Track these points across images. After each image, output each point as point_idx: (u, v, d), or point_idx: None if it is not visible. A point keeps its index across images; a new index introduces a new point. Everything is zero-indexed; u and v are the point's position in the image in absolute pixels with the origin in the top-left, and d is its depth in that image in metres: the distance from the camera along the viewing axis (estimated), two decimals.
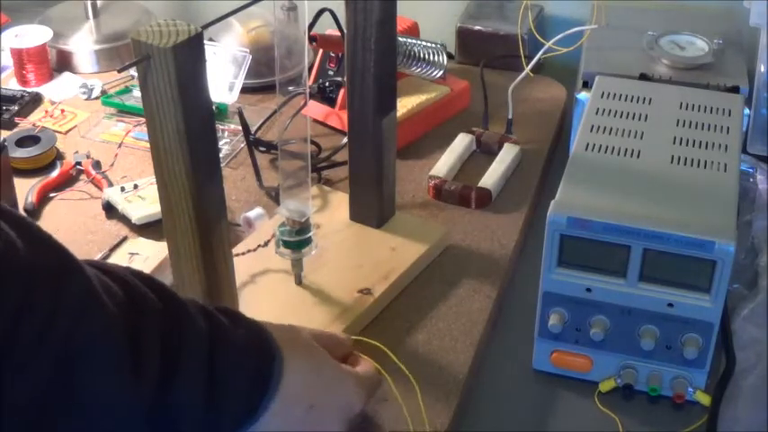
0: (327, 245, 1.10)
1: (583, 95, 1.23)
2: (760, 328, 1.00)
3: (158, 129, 0.83)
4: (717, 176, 0.97)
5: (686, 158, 1.00)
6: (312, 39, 1.30)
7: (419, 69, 1.32)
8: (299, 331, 0.85)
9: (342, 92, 1.34)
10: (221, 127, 1.37)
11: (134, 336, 0.68)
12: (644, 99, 1.10)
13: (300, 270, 1.05)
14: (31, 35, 1.48)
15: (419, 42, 1.31)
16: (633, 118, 1.07)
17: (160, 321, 0.70)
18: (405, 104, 1.32)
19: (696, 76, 1.25)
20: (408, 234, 1.13)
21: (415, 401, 0.93)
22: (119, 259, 1.10)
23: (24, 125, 1.37)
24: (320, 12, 1.34)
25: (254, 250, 1.10)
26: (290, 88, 0.97)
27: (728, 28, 1.36)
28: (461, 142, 1.31)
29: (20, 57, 1.47)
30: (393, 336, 1.00)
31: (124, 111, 1.41)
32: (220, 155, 1.25)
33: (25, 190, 1.23)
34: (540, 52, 1.33)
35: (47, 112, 1.41)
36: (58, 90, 1.47)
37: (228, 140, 1.35)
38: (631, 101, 1.10)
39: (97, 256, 1.13)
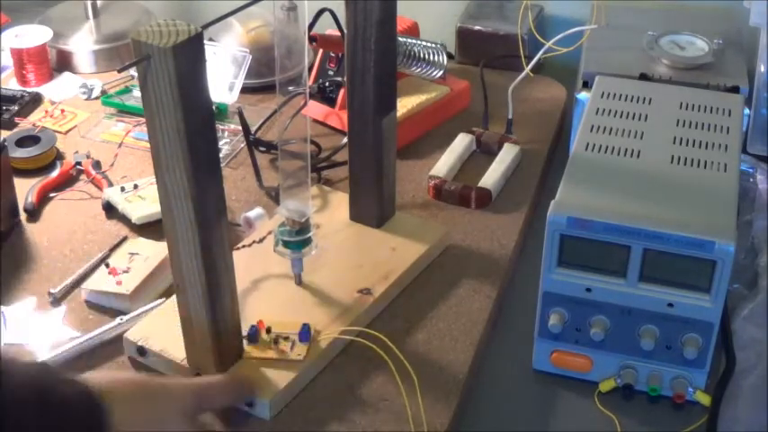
0: (327, 245, 1.10)
1: (583, 95, 1.23)
2: (760, 328, 1.00)
3: (158, 129, 0.83)
4: (717, 176, 0.97)
5: (686, 158, 1.00)
6: (312, 39, 1.30)
7: (419, 69, 1.32)
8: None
9: (342, 92, 1.34)
10: (221, 127, 1.37)
11: None
12: (644, 99, 1.10)
13: (300, 270, 1.05)
14: (31, 35, 1.48)
15: (419, 42, 1.31)
16: (633, 118, 1.07)
17: None
18: (405, 104, 1.32)
19: (696, 76, 1.25)
20: (408, 234, 1.13)
21: (416, 401, 0.93)
22: (119, 259, 1.10)
23: (24, 125, 1.37)
24: (320, 12, 1.34)
25: (249, 246, 1.11)
26: (290, 88, 0.97)
27: (728, 28, 1.36)
28: (461, 142, 1.31)
29: (20, 57, 1.47)
30: (393, 336, 1.00)
31: (124, 111, 1.41)
32: (220, 155, 1.25)
33: (25, 190, 1.23)
34: (540, 52, 1.33)
35: (47, 112, 1.41)
36: (58, 90, 1.47)
37: (228, 140, 1.35)
38: (631, 101, 1.10)
39: (97, 256, 1.13)
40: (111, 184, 1.24)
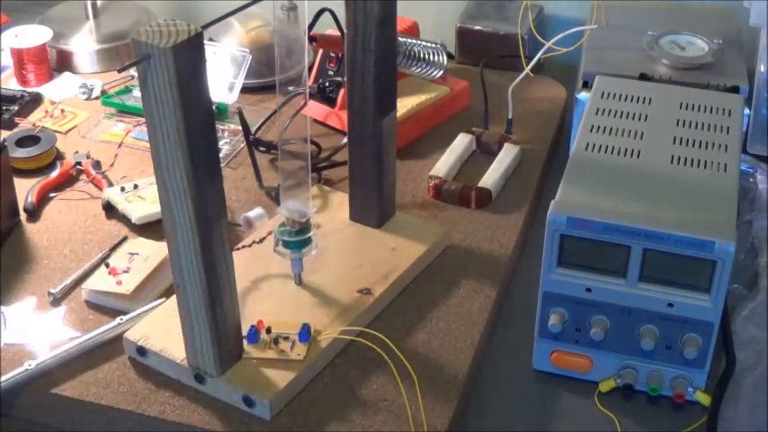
0: (327, 245, 1.10)
1: (583, 95, 1.23)
2: (760, 328, 1.00)
3: (158, 129, 0.83)
4: (717, 176, 0.97)
5: (686, 158, 1.00)
6: (312, 39, 1.30)
7: (419, 69, 1.32)
8: None
9: (342, 92, 1.34)
10: (221, 127, 1.37)
11: None
12: (644, 99, 1.10)
13: (300, 270, 1.05)
14: (31, 35, 1.48)
15: (419, 42, 1.31)
16: (633, 118, 1.07)
17: None
18: (405, 104, 1.32)
19: (696, 76, 1.25)
20: (408, 234, 1.13)
21: (416, 401, 0.93)
22: (119, 259, 1.10)
23: (24, 125, 1.37)
24: (320, 12, 1.34)
25: (249, 246, 1.11)
26: (290, 88, 0.97)
27: (728, 28, 1.36)
28: (461, 142, 1.31)
29: (20, 57, 1.47)
30: (393, 336, 1.00)
31: (124, 111, 1.41)
32: (220, 155, 1.25)
33: (25, 190, 1.23)
34: (540, 52, 1.33)
35: (47, 112, 1.41)
36: (58, 90, 1.47)
37: (228, 140, 1.35)
38: (631, 101, 1.10)
39: (97, 256, 1.13)
40: (111, 184, 1.24)
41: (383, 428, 0.92)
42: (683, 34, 1.33)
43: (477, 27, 1.50)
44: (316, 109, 1.36)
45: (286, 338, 0.98)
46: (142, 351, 0.98)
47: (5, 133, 1.33)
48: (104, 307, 1.06)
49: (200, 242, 0.87)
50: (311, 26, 1.32)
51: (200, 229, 0.87)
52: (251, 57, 1.43)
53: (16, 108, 1.40)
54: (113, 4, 1.61)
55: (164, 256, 1.07)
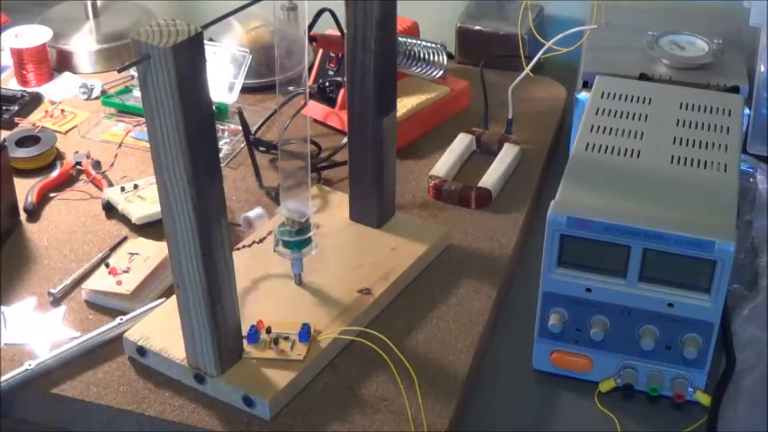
0: (327, 245, 1.10)
1: (583, 95, 1.23)
2: (760, 328, 1.00)
3: (158, 129, 0.83)
4: (717, 176, 0.97)
5: (686, 158, 1.00)
6: (312, 39, 1.30)
7: (419, 69, 1.32)
8: None
9: (342, 92, 1.34)
10: (221, 127, 1.37)
11: None
12: (644, 99, 1.10)
13: (300, 270, 1.05)
14: (31, 35, 1.48)
15: (419, 42, 1.31)
16: (633, 118, 1.07)
17: None
18: (405, 104, 1.32)
19: (696, 76, 1.25)
20: (408, 234, 1.13)
21: (416, 401, 0.93)
22: (119, 259, 1.10)
23: (24, 125, 1.37)
24: (320, 12, 1.34)
25: (249, 246, 1.11)
26: (290, 88, 0.97)
27: (728, 28, 1.36)
28: (461, 142, 1.31)
29: (20, 57, 1.47)
30: (393, 336, 1.00)
31: (124, 111, 1.41)
32: (220, 155, 1.25)
33: (25, 190, 1.23)
34: (540, 52, 1.33)
35: (47, 112, 1.41)
36: (58, 90, 1.47)
37: (228, 140, 1.35)
38: (631, 101, 1.10)
39: (97, 256, 1.13)
40: (111, 184, 1.24)
41: (383, 428, 0.92)
42: (683, 34, 1.33)
43: (477, 27, 1.50)
44: (316, 109, 1.36)
45: (286, 338, 0.98)
46: (142, 351, 0.98)
47: (5, 133, 1.33)
48: (104, 307, 1.06)
49: (200, 242, 0.87)
50: (311, 26, 1.32)
51: (200, 229, 0.87)
52: (251, 57, 1.43)
53: (16, 108, 1.40)
54: (113, 4, 1.61)
55: (164, 256, 1.07)
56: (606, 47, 1.32)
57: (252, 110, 1.38)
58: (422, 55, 1.31)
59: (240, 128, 1.30)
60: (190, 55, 0.80)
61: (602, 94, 1.11)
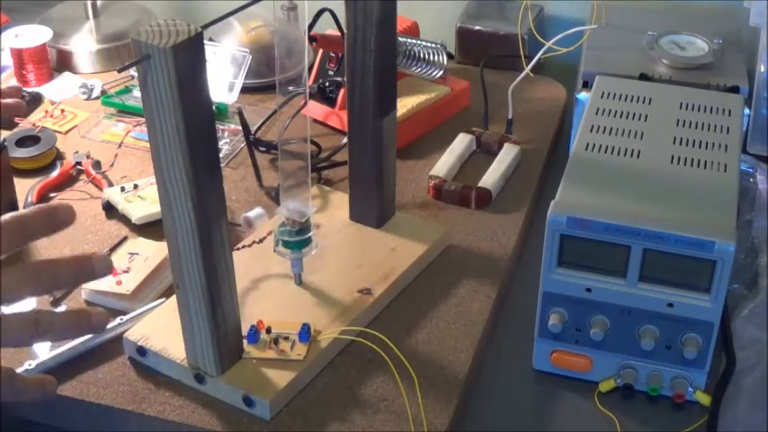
0: (327, 245, 1.10)
1: (583, 95, 1.23)
2: (760, 328, 1.00)
3: (158, 129, 0.83)
4: (717, 176, 0.97)
5: (686, 158, 1.00)
6: (312, 39, 1.30)
7: (419, 69, 1.32)
8: None
9: (342, 92, 1.34)
10: (221, 127, 1.37)
11: None
12: (644, 99, 1.10)
13: (300, 270, 1.05)
14: (31, 35, 1.48)
15: (419, 42, 1.31)
16: (633, 118, 1.07)
17: None
18: (405, 104, 1.32)
19: (696, 76, 1.25)
20: (408, 234, 1.13)
21: (416, 401, 0.93)
22: (119, 259, 1.10)
23: (24, 125, 1.37)
24: (320, 12, 1.34)
25: (249, 246, 1.11)
26: (290, 88, 0.97)
27: (728, 28, 1.36)
28: (461, 142, 1.31)
29: (20, 57, 1.47)
30: (393, 336, 1.00)
31: (124, 111, 1.41)
32: (220, 155, 1.25)
33: (25, 190, 1.23)
34: (540, 52, 1.33)
35: (47, 112, 1.41)
36: (58, 90, 1.47)
37: (228, 140, 1.35)
38: (631, 101, 1.10)
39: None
40: (111, 184, 1.24)
41: (383, 428, 0.92)
42: (683, 34, 1.33)
43: (477, 27, 1.50)
44: (316, 109, 1.36)
45: (286, 338, 0.98)
46: (142, 351, 0.98)
47: (5, 133, 1.33)
48: (104, 307, 1.06)
49: (200, 242, 0.87)
50: (311, 26, 1.32)
51: (200, 229, 0.87)
52: (251, 57, 1.43)
53: None
54: (113, 4, 1.61)
55: (164, 256, 1.07)
56: (606, 47, 1.32)
57: (252, 110, 1.38)
58: (422, 55, 1.31)
59: (240, 128, 1.30)
60: (190, 55, 0.80)
61: (602, 94, 1.11)
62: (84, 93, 1.45)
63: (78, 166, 1.29)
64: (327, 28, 1.35)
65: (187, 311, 0.92)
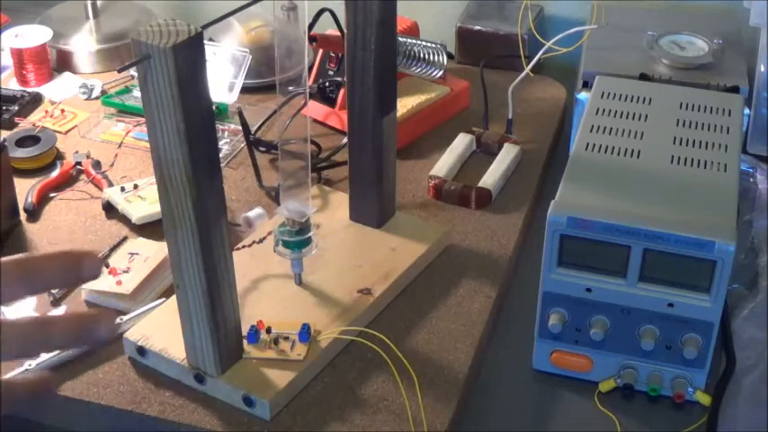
0: (327, 245, 1.10)
1: (583, 95, 1.23)
2: (760, 328, 1.00)
3: (158, 129, 0.83)
4: (717, 176, 0.97)
5: (686, 158, 1.00)
6: (312, 39, 1.30)
7: (419, 69, 1.32)
8: None
9: (342, 92, 1.34)
10: (221, 127, 1.37)
11: None
12: (644, 99, 1.10)
13: (300, 270, 1.05)
14: (31, 35, 1.48)
15: (419, 42, 1.31)
16: (633, 118, 1.07)
17: None
18: (405, 104, 1.32)
19: (696, 76, 1.25)
20: (408, 234, 1.13)
21: (416, 401, 0.93)
22: (119, 259, 1.10)
23: (24, 125, 1.37)
24: (320, 12, 1.34)
25: (249, 246, 1.11)
26: (290, 88, 0.97)
27: (728, 28, 1.36)
28: (461, 142, 1.31)
29: (20, 57, 1.47)
30: (393, 336, 1.00)
31: (124, 111, 1.41)
32: (220, 155, 1.25)
33: (25, 190, 1.23)
34: (540, 52, 1.33)
35: (47, 112, 1.41)
36: (58, 90, 1.47)
37: (228, 140, 1.35)
38: (631, 101, 1.10)
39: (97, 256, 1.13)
40: (111, 184, 1.24)
41: (383, 428, 0.92)
42: (683, 34, 1.33)
43: (477, 27, 1.50)
44: (316, 109, 1.36)
45: (286, 338, 0.98)
46: (142, 351, 0.98)
47: (5, 133, 1.33)
48: (104, 307, 1.06)
49: (200, 242, 0.87)
50: (311, 26, 1.32)
51: (200, 229, 0.87)
52: (251, 57, 1.43)
53: (16, 108, 1.40)
54: (113, 4, 1.61)
55: (164, 256, 1.07)
56: (606, 47, 1.32)
57: (252, 110, 1.38)
58: (422, 55, 1.31)
59: (240, 128, 1.30)
60: (190, 55, 0.80)
61: (602, 94, 1.11)
62: (84, 93, 1.45)
63: (78, 166, 1.29)
64: (327, 28, 1.35)
65: (187, 311, 0.92)
